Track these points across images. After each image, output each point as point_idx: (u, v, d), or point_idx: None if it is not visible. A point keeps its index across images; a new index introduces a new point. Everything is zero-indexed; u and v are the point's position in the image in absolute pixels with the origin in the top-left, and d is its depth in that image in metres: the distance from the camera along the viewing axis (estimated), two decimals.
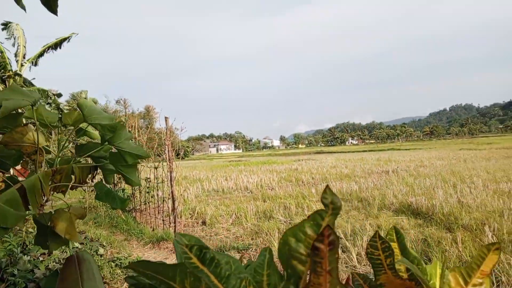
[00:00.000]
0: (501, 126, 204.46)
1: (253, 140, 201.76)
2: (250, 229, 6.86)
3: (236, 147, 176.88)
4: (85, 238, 6.19)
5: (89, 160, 1.21)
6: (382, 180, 12.18)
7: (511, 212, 6.29)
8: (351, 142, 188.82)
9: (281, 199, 9.72)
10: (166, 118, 6.93)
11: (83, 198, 10.31)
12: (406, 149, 49.46)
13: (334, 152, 58.49)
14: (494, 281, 3.81)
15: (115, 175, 1.29)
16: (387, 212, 7.51)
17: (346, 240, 5.43)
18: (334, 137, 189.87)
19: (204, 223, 7.71)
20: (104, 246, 5.96)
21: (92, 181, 1.19)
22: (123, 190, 8.57)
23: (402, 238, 0.61)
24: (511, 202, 7.06)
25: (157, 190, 7.82)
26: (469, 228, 5.73)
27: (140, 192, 8.43)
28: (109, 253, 5.72)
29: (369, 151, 55.36)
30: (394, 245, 0.60)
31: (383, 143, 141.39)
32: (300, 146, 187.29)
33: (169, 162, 6.89)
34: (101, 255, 5.33)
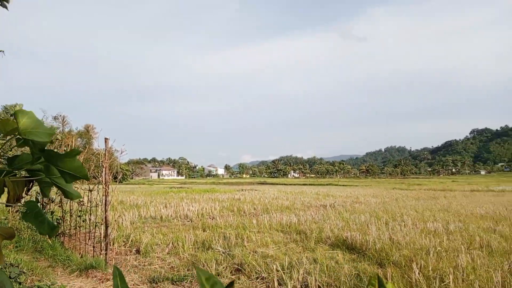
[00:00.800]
0: (430, 169, 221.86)
1: (197, 167, 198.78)
2: (186, 259, 6.64)
3: (179, 173, 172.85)
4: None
5: (23, 173, 1.09)
6: (320, 214, 12.52)
7: (436, 250, 6.72)
8: (293, 175, 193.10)
9: (221, 228, 9.58)
10: (105, 139, 6.65)
11: (5, 219, 9.37)
12: (343, 185, 51.59)
13: (277, 184, 59.40)
14: None
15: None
16: (324, 246, 7.68)
17: (283, 273, 5.45)
18: (277, 169, 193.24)
19: (138, 251, 7.33)
20: (24, 272, 5.41)
21: (27, 194, 1.07)
22: (52, 212, 7.93)
23: None
24: (436, 241, 7.56)
25: (90, 214, 7.35)
26: (398, 265, 6.01)
27: (71, 216, 7.85)
28: (29, 280, 5.20)
29: (309, 184, 57.02)
30: None
31: (322, 178, 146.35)
32: (244, 176, 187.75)
33: (105, 186, 6.55)
34: (20, 283, 4.82)
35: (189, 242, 7.77)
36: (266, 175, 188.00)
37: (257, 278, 5.48)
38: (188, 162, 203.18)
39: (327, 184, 57.29)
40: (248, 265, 5.95)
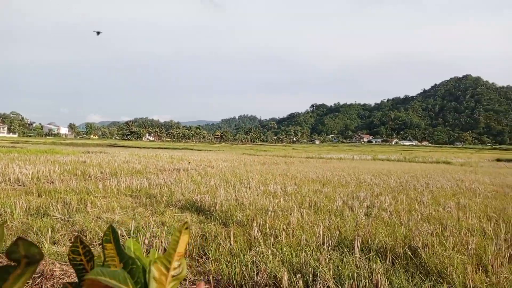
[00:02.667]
0: (275, 137, 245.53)
1: (34, 125, 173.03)
2: (16, 227, 5.86)
3: (10, 130, 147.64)
4: None
5: None
6: (172, 178, 12.55)
7: (274, 210, 7.50)
8: (148, 138, 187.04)
9: (61, 194, 8.69)
10: None
11: None
12: (198, 150, 52.71)
13: (129, 147, 56.65)
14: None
15: None
16: (173, 209, 7.78)
17: (129, 237, 5.34)
18: (131, 131, 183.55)
19: None
20: None
21: None
22: None
23: (117, 238, 0.62)
24: (275, 201, 8.46)
25: None
26: (241, 224, 6.50)
27: None
28: None
29: (165, 148, 56.30)
30: (111, 246, 0.61)
31: (178, 142, 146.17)
32: (92, 137, 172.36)
33: None
34: None
35: (20, 209, 6.84)
36: (117, 137, 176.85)
37: (99, 245, 5.24)
38: (22, 118, 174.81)
39: (182, 148, 57.50)
40: (90, 231, 5.61)
